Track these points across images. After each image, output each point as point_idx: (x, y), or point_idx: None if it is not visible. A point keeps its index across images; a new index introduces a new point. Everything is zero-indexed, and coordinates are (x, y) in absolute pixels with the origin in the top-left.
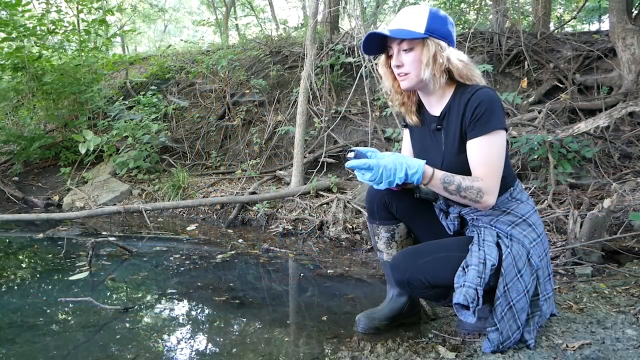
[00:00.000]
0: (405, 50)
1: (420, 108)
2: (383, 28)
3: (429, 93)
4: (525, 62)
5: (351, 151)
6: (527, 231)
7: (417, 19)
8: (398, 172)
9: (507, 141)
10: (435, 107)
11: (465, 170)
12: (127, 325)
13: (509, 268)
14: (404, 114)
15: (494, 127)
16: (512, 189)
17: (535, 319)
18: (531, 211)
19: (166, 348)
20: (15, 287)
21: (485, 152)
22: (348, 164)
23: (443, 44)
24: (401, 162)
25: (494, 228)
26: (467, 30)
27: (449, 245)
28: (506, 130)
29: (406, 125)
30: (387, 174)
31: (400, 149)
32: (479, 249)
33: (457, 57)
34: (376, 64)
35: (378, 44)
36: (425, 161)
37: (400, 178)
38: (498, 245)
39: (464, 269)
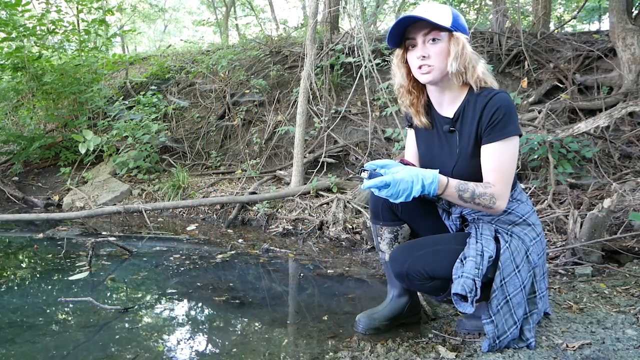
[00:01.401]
0: (431, 41)
1: (429, 109)
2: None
3: (442, 92)
4: (525, 62)
5: (364, 170)
6: (526, 230)
7: (443, 13)
8: (415, 184)
9: None
10: (448, 108)
11: (477, 174)
12: (127, 325)
13: (506, 262)
14: (412, 115)
15: (511, 133)
16: (513, 190)
17: (533, 316)
18: (530, 211)
19: (166, 348)
20: (15, 287)
21: (500, 158)
22: (365, 186)
23: (467, 42)
24: (416, 174)
25: (493, 225)
26: None
27: (447, 239)
28: (520, 135)
29: (410, 125)
30: (405, 188)
31: (400, 149)
32: (477, 242)
33: (477, 59)
34: (377, 64)
35: (398, 36)
36: (438, 170)
37: (417, 190)
38: (497, 239)
39: (462, 260)
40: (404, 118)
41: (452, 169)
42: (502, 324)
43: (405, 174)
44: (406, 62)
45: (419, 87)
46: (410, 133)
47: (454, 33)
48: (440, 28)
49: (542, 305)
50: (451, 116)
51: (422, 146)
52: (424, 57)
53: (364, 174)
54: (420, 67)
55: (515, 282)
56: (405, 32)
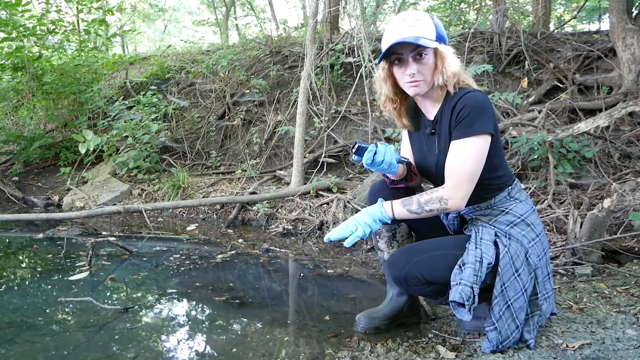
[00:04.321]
0: (418, 56)
1: (416, 114)
2: (392, 35)
3: (424, 99)
4: (525, 62)
5: (355, 148)
6: (525, 231)
7: (426, 26)
8: (372, 225)
9: (507, 141)
10: (431, 111)
11: None
12: (127, 325)
13: (506, 267)
14: (395, 119)
15: (475, 132)
16: (510, 188)
17: (535, 318)
18: (530, 211)
19: (166, 348)
20: (15, 287)
21: (461, 156)
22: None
23: (450, 51)
24: (365, 215)
25: (492, 227)
26: (467, 30)
27: (446, 243)
28: (492, 134)
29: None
30: (364, 226)
31: (399, 149)
32: (476, 247)
33: (456, 64)
34: (377, 64)
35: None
36: (382, 200)
37: (375, 226)
38: (496, 244)
39: (460, 267)
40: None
41: (435, 169)
42: (505, 330)
43: (357, 218)
44: (392, 74)
45: (402, 95)
46: (405, 134)
47: (439, 48)
48: (427, 47)
49: (546, 307)
50: (432, 119)
51: (415, 147)
52: (413, 74)
53: (354, 155)
54: (410, 82)
55: (515, 287)
56: (392, 47)
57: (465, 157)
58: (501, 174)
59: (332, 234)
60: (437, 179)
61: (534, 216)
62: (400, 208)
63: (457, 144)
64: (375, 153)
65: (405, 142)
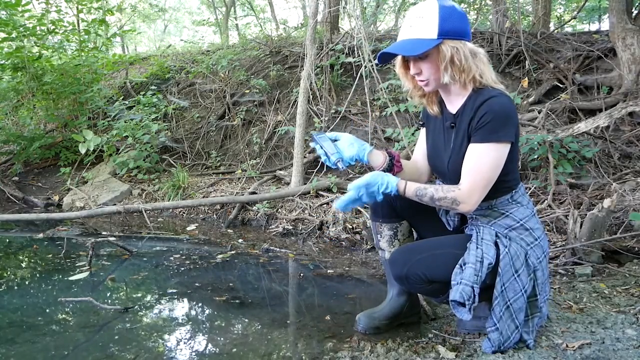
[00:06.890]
0: (420, 58)
1: (441, 103)
2: (399, 35)
3: (447, 92)
4: (525, 62)
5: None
6: (523, 235)
7: (428, 23)
8: (380, 186)
9: (518, 149)
10: (453, 104)
11: None
12: (127, 325)
13: (506, 268)
14: (426, 105)
15: (497, 139)
16: (514, 191)
17: (535, 320)
18: (530, 215)
19: (166, 348)
20: (15, 287)
21: (478, 160)
22: (338, 206)
23: (459, 45)
24: (381, 176)
25: (492, 228)
26: None
27: (447, 243)
28: (513, 143)
29: (423, 125)
30: (375, 189)
31: (400, 149)
32: (477, 248)
33: (470, 51)
34: (377, 64)
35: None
36: (398, 180)
37: (377, 190)
38: (496, 244)
39: (461, 266)
40: (420, 117)
41: (447, 164)
42: (506, 330)
43: (371, 178)
44: (407, 68)
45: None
46: (422, 132)
47: (441, 46)
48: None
49: (546, 309)
50: (454, 112)
51: (430, 140)
52: (417, 73)
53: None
54: (419, 81)
55: (515, 287)
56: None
57: (484, 162)
58: (510, 178)
59: (341, 203)
60: (448, 176)
61: (533, 221)
62: (412, 194)
63: (476, 148)
64: (327, 157)
65: (421, 141)
